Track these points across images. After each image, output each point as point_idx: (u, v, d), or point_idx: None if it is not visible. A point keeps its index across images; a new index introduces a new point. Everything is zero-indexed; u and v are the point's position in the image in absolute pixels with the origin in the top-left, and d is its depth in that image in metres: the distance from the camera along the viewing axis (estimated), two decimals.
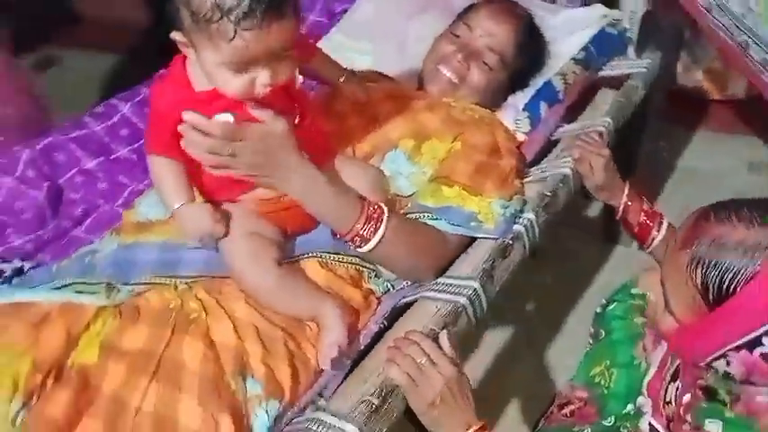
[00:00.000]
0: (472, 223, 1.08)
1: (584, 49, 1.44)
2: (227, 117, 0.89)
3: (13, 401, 0.81)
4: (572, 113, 1.41)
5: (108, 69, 2.58)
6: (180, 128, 0.88)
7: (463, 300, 1.00)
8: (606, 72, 1.50)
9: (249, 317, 0.94)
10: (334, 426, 0.85)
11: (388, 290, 1.08)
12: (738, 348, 0.71)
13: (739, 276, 0.69)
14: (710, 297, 0.71)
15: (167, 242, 1.02)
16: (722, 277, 0.70)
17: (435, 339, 0.94)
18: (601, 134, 1.30)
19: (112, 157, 1.31)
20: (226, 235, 0.95)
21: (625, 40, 1.52)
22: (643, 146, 1.70)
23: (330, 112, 1.20)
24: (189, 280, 0.98)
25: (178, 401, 0.83)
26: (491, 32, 1.28)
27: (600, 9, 1.51)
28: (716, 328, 0.71)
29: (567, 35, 1.44)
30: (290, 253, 1.03)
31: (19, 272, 1.10)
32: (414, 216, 1.08)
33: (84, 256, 1.07)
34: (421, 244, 1.05)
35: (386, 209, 1.01)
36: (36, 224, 1.19)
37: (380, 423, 0.88)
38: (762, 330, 0.69)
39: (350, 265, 1.05)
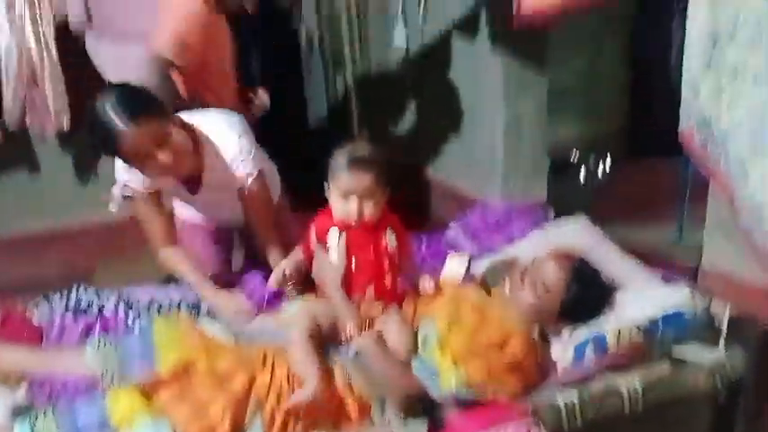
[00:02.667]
0: (434, 377, 1.53)
1: (653, 322, 1.61)
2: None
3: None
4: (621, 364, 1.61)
5: None
6: None
7: None
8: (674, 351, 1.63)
9: (282, 381, 1.53)
10: None
11: None
12: None
13: None
14: None
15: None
16: None
17: None
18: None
19: None
20: None
21: (699, 325, 1.62)
22: None
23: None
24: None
25: (216, 398, 1.46)
26: (546, 271, 1.68)
27: (684, 293, 1.66)
28: None
29: (641, 305, 1.67)
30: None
31: None
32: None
33: None
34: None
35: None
36: None
37: None
38: None
39: None
